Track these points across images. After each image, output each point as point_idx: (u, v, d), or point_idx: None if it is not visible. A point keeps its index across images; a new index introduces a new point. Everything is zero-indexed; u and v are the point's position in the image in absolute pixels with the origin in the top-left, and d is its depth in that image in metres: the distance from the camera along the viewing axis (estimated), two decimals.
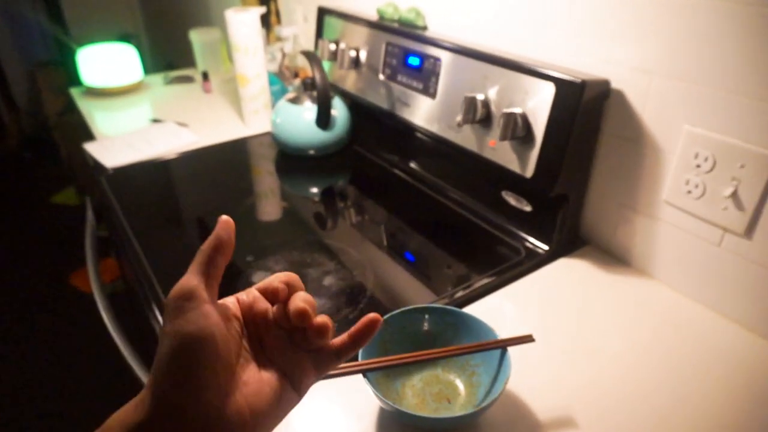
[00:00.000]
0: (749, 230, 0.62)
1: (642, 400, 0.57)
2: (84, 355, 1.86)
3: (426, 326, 0.60)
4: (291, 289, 0.35)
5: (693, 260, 0.70)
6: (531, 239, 0.83)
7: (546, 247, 0.81)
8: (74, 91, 1.55)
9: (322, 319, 0.34)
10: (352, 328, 0.36)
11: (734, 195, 0.62)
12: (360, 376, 0.51)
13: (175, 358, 0.29)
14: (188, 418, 0.29)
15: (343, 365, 0.50)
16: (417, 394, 0.56)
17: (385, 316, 0.57)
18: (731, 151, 0.61)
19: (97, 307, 0.89)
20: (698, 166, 0.65)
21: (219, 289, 0.34)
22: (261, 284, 0.37)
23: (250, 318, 0.36)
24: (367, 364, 0.51)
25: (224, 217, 0.34)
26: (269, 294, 0.36)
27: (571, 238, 0.83)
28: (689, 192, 0.66)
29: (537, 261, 0.79)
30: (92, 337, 1.84)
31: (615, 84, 0.71)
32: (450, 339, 0.59)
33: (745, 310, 0.66)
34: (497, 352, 0.55)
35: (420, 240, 0.88)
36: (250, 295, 0.36)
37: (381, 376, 0.56)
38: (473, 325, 0.58)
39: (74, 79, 1.59)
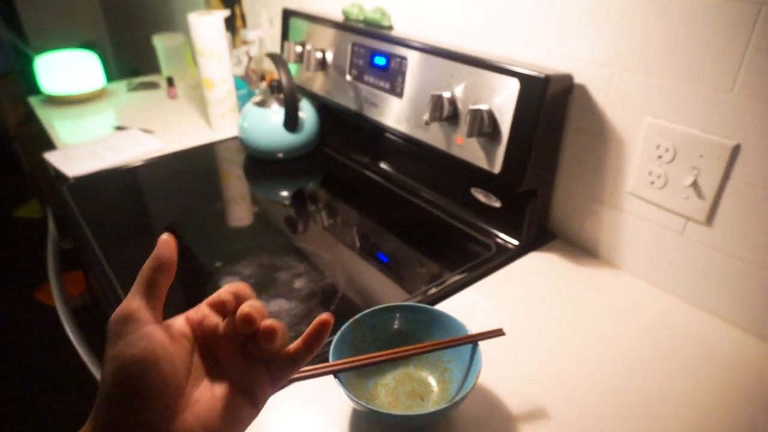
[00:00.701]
0: (710, 218, 0.64)
1: (612, 388, 0.58)
2: (52, 371, 1.80)
3: (397, 324, 0.60)
4: (240, 300, 0.34)
5: (658, 249, 0.71)
6: (501, 235, 0.83)
7: (516, 242, 0.81)
8: (33, 100, 1.51)
9: (269, 322, 0.33)
10: (305, 333, 0.35)
11: (695, 184, 0.63)
12: (332, 376, 0.51)
13: (117, 384, 0.29)
14: None
15: (314, 366, 0.49)
16: (390, 393, 0.56)
17: (356, 316, 0.57)
18: (690, 141, 0.63)
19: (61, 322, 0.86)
20: (660, 156, 0.66)
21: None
22: (210, 298, 0.36)
23: (201, 334, 0.35)
24: (338, 364, 0.51)
25: (164, 236, 0.33)
26: (218, 307, 0.35)
27: (540, 232, 0.84)
28: (652, 183, 0.68)
29: (508, 256, 0.79)
30: (61, 353, 1.78)
31: (578, 79, 0.72)
32: (422, 337, 0.59)
33: (708, 296, 0.67)
34: (468, 348, 0.55)
35: (392, 240, 0.88)
36: (199, 311, 0.35)
37: (353, 377, 0.55)
38: (445, 321, 0.58)
39: (34, 88, 1.54)
